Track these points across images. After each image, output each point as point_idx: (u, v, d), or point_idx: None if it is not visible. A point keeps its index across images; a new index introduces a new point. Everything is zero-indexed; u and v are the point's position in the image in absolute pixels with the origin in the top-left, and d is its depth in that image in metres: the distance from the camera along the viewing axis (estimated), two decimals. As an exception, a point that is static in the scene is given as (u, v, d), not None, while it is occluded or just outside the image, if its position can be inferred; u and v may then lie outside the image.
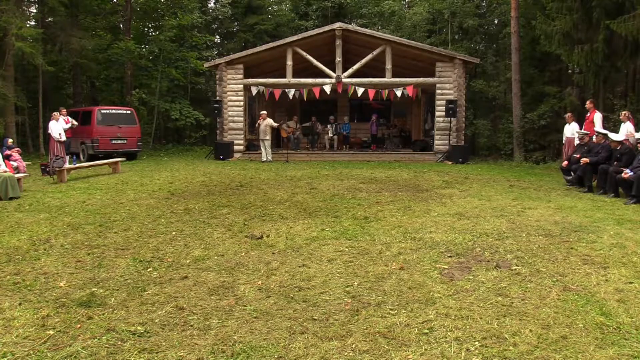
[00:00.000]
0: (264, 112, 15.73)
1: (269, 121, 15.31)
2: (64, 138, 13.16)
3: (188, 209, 7.05)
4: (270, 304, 3.51)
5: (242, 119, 16.87)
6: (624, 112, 9.69)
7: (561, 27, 13.31)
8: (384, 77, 16.14)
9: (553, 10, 13.90)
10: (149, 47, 21.80)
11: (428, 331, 3.06)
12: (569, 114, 11.55)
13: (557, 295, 3.65)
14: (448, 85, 16.09)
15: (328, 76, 16.42)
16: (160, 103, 21.55)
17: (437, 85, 16.15)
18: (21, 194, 8.53)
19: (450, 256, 4.65)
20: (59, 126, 13.04)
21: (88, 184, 10.18)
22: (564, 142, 11.65)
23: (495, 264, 4.39)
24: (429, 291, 3.74)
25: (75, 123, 14.89)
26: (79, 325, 3.16)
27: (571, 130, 11.15)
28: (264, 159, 15.28)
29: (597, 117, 10.40)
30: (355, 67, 16.30)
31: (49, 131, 13.01)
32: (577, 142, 10.80)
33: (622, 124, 9.48)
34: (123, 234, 5.60)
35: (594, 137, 9.53)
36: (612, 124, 12.10)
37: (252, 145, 17.55)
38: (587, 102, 11.14)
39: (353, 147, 19.18)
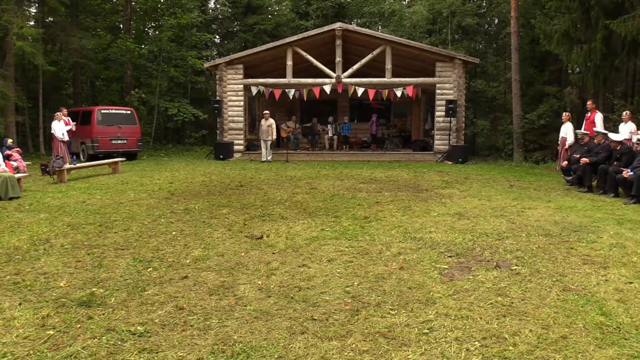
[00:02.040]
0: (267, 112, 15.75)
1: (271, 122, 15.31)
2: (66, 138, 13.17)
3: (188, 209, 7.05)
4: (270, 304, 3.51)
5: (242, 119, 16.87)
6: (625, 112, 9.70)
7: (560, 26, 13.28)
8: (384, 77, 16.14)
9: (552, 9, 13.87)
10: (148, 47, 21.83)
11: (428, 331, 3.06)
12: (565, 114, 11.53)
13: (557, 295, 3.65)
14: (448, 85, 16.08)
15: (328, 76, 16.41)
16: (160, 102, 21.58)
17: (437, 85, 16.15)
18: (21, 194, 8.53)
19: (450, 256, 4.65)
20: (61, 126, 13.05)
21: (88, 184, 10.18)
22: (559, 141, 11.65)
23: (495, 264, 4.39)
24: (429, 291, 3.74)
25: (74, 127, 14.78)
26: (79, 325, 3.16)
27: (565, 130, 11.14)
28: (263, 159, 15.28)
29: (598, 117, 10.39)
30: (355, 67, 16.29)
31: (52, 131, 13.03)
32: (569, 142, 10.83)
33: (624, 124, 9.49)
34: (123, 234, 5.60)
35: (594, 137, 9.53)
36: (612, 124, 12.09)
37: (252, 145, 17.55)
38: (588, 102, 11.13)
39: (353, 147, 19.18)
